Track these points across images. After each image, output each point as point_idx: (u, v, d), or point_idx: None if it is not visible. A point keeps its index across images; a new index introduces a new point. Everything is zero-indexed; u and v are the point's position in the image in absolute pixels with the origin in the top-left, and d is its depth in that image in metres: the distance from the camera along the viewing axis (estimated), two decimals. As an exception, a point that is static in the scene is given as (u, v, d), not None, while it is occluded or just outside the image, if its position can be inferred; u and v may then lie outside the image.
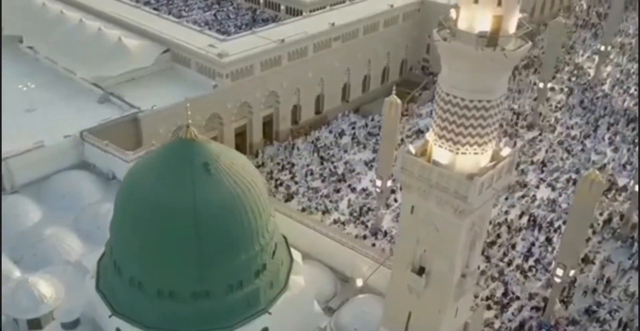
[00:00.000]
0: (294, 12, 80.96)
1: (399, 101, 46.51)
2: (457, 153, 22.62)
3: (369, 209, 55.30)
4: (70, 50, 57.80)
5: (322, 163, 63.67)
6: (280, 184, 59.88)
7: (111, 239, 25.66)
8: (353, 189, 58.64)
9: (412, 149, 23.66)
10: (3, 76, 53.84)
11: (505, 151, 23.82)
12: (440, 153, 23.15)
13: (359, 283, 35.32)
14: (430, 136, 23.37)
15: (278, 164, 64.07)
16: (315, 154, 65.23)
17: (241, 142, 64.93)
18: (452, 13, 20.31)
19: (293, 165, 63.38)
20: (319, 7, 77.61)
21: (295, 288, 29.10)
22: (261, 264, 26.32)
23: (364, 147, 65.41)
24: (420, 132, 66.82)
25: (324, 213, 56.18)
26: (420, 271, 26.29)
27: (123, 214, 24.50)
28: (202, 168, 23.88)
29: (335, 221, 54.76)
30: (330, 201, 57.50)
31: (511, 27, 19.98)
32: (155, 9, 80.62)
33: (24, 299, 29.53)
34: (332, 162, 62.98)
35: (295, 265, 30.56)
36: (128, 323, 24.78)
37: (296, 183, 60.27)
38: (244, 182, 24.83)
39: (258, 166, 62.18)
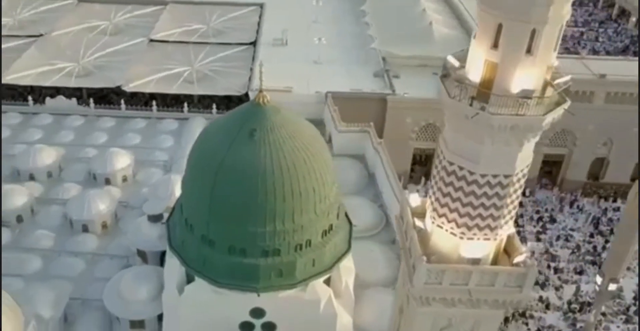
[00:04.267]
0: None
1: (654, 186, 36.70)
2: (434, 222, 19.31)
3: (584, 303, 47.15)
4: (388, 21, 65.18)
5: (591, 236, 55.89)
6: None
7: (182, 196, 30.25)
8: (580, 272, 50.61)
9: (415, 199, 21.14)
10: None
11: (519, 258, 18.81)
12: (428, 216, 20.10)
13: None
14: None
15: (537, 212, 59.38)
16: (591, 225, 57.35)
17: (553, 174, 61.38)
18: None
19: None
20: None
21: (312, 294, 29.55)
22: (271, 248, 28.14)
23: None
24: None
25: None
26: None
27: (188, 169, 29.13)
28: (249, 132, 26.91)
29: (541, 299, 48.83)
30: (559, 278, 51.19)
31: (515, 84, 15.39)
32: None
33: (160, 193, 39.21)
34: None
35: (335, 278, 30.75)
36: (200, 277, 28.96)
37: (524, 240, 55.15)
38: (285, 161, 26.37)
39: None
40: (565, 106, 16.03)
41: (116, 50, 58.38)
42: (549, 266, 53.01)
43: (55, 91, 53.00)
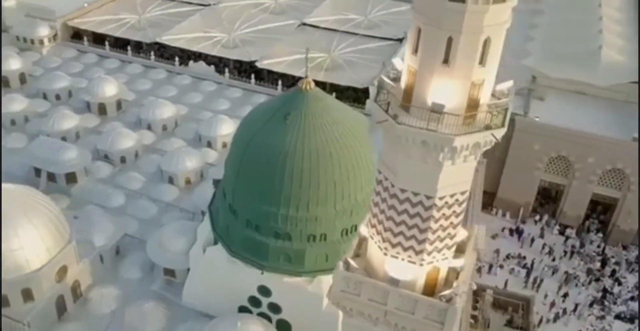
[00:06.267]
0: None
1: None
2: (368, 232, 19.03)
3: None
4: (555, 38, 61.09)
5: None
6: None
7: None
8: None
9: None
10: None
11: (445, 292, 17.83)
12: (372, 225, 19.78)
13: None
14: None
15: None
16: None
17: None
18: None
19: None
20: None
21: (317, 287, 30.21)
22: (283, 231, 29.31)
23: None
24: None
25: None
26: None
27: (232, 141, 31.46)
28: (283, 115, 28.22)
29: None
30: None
31: (431, 95, 14.60)
32: None
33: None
34: None
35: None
36: (219, 242, 31.91)
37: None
38: (309, 148, 27.23)
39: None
40: (497, 132, 14.77)
41: (267, 28, 63.30)
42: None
43: (217, 60, 58.78)
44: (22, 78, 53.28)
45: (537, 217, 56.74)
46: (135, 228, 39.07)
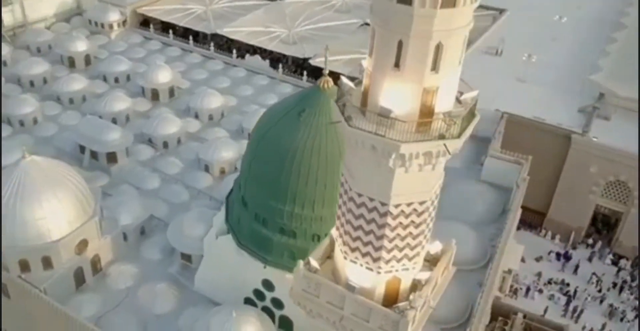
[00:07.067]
0: None
1: None
2: (334, 235, 19.05)
3: None
4: (631, 54, 57.89)
5: None
6: None
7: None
8: None
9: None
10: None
11: (402, 303, 17.64)
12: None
13: None
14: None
15: None
16: None
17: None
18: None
19: None
20: None
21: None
22: (288, 228, 29.64)
23: None
24: None
25: None
26: None
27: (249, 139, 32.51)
28: (298, 112, 28.50)
29: None
30: None
31: (382, 99, 14.37)
32: None
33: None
34: None
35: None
36: (230, 232, 32.66)
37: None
38: (319, 147, 27.29)
39: None
40: (452, 143, 14.44)
41: (327, 26, 63.74)
42: None
43: (281, 55, 59.89)
44: (87, 60, 56.85)
45: (590, 241, 53.98)
46: (165, 212, 40.68)
